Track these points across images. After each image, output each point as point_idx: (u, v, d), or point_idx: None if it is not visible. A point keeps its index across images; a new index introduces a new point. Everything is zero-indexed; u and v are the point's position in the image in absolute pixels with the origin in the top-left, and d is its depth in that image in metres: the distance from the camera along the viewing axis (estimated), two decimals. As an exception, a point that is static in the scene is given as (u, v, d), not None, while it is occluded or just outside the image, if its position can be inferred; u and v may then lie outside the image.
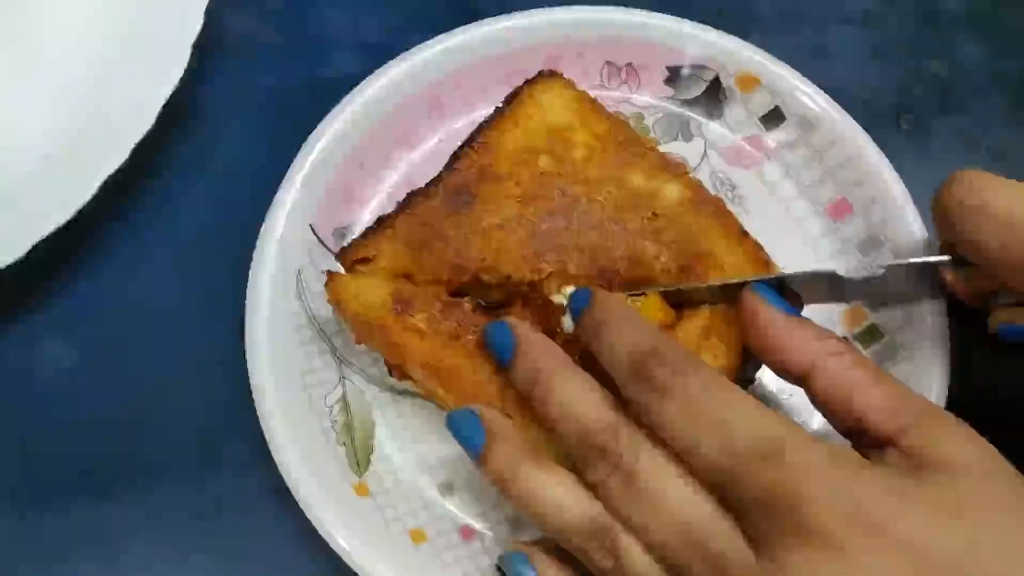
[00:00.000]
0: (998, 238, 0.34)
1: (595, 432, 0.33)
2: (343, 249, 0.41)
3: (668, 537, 0.31)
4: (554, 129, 0.42)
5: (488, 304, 0.40)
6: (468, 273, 0.39)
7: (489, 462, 0.34)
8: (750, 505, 0.30)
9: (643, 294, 0.39)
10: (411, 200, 0.41)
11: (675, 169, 0.42)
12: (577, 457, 0.34)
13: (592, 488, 0.33)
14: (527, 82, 0.43)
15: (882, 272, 0.37)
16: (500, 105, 0.43)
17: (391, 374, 0.40)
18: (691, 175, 0.42)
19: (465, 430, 0.35)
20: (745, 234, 0.41)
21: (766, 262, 0.40)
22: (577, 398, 0.34)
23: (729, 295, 0.38)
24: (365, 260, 0.40)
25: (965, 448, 0.30)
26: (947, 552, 0.28)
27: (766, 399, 0.41)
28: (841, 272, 0.37)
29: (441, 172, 0.42)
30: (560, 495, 0.33)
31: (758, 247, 0.41)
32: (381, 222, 0.41)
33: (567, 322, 0.38)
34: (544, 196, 0.41)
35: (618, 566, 0.32)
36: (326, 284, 0.39)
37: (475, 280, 0.40)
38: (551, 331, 0.38)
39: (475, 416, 0.35)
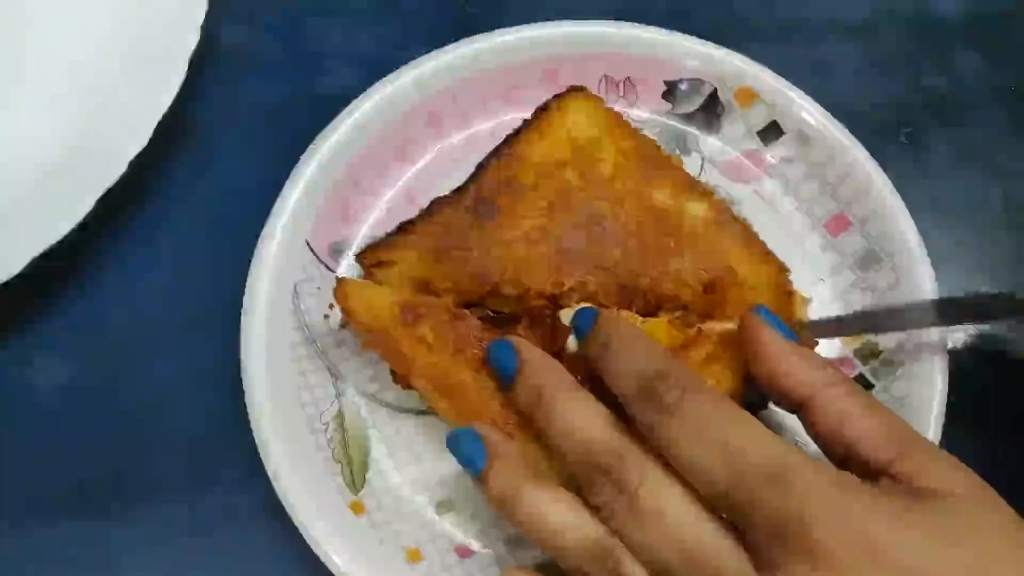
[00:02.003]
0: None
1: (599, 453, 0.33)
2: (364, 251, 0.41)
3: (672, 559, 0.31)
4: (580, 144, 0.42)
5: (496, 319, 0.40)
6: (489, 284, 0.39)
7: (490, 483, 0.34)
8: (755, 527, 0.30)
9: (654, 315, 0.39)
10: (434, 208, 0.41)
11: (700, 188, 0.42)
12: (580, 478, 0.34)
13: (595, 509, 0.33)
14: (555, 96, 0.43)
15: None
16: (527, 118, 0.43)
17: (395, 381, 0.40)
18: (716, 195, 0.42)
19: (466, 450, 0.35)
20: (770, 254, 0.41)
21: (788, 284, 0.41)
22: (580, 418, 0.34)
23: None
24: (383, 264, 0.40)
25: (955, 477, 0.31)
26: None
27: (774, 424, 0.41)
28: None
29: (466, 182, 0.42)
30: (562, 517, 0.33)
31: (782, 269, 0.41)
32: (403, 228, 0.41)
33: (571, 342, 0.38)
34: (568, 210, 0.41)
35: None
36: (335, 290, 0.39)
37: (495, 291, 0.40)
38: (557, 351, 0.38)
39: (477, 435, 0.35)
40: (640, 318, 0.39)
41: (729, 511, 0.31)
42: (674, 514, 0.31)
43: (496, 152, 0.42)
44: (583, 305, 0.39)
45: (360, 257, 0.41)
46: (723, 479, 0.31)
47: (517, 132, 0.43)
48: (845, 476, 0.31)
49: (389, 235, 0.41)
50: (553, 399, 0.35)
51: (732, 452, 0.31)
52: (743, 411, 0.33)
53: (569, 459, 0.34)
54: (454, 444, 0.35)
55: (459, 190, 0.42)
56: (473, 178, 0.42)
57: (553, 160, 0.42)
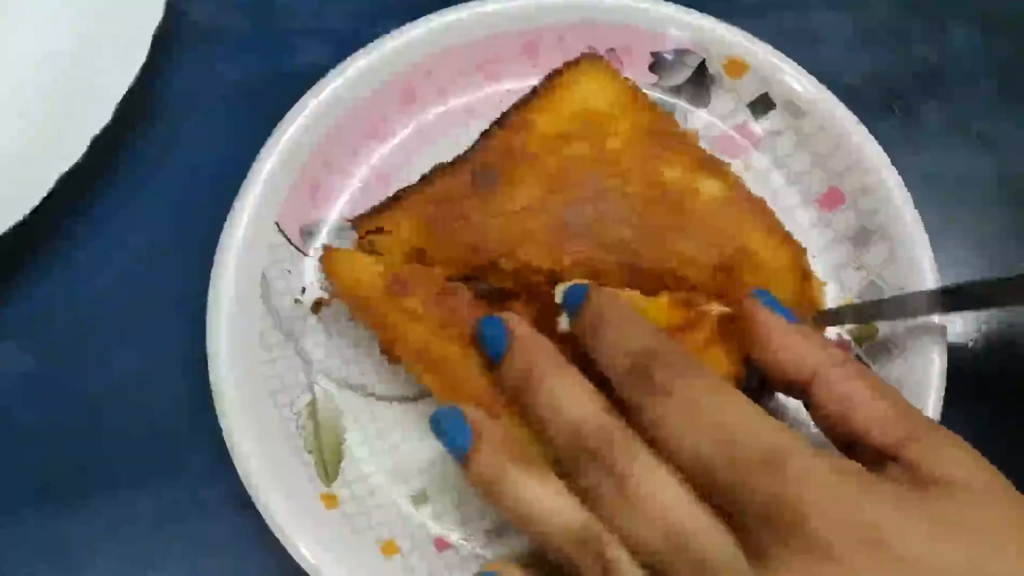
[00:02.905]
0: None
1: (587, 435, 0.32)
2: (359, 217, 0.40)
3: (659, 545, 0.30)
4: (591, 115, 0.41)
5: (488, 293, 0.39)
6: (486, 256, 0.38)
7: (474, 465, 0.33)
8: (749, 513, 0.29)
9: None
10: (434, 175, 0.40)
11: (716, 165, 0.41)
12: (567, 461, 0.33)
13: (582, 494, 0.32)
14: (567, 64, 0.42)
15: None
16: (536, 85, 0.42)
17: (382, 352, 0.38)
18: (733, 172, 0.41)
19: (449, 430, 0.34)
20: (788, 236, 0.40)
21: (806, 266, 0.39)
22: (569, 399, 0.33)
23: None
24: (379, 231, 0.39)
25: (966, 464, 0.30)
26: (947, 569, 0.27)
27: (775, 411, 0.40)
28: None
29: (469, 149, 0.41)
30: (548, 501, 0.32)
31: (800, 250, 0.40)
32: (401, 195, 0.40)
33: (564, 319, 0.36)
34: (574, 183, 0.39)
35: None
36: (321, 258, 0.38)
37: (491, 264, 0.38)
38: (549, 330, 0.37)
39: (460, 415, 0.34)
40: (644, 297, 0.38)
41: (721, 497, 0.30)
42: (663, 499, 0.30)
43: (502, 120, 0.41)
44: (575, 282, 0.38)
45: (355, 223, 0.40)
46: (715, 463, 0.30)
47: (525, 100, 0.41)
48: (845, 462, 0.30)
49: (387, 201, 0.40)
50: (542, 378, 0.34)
51: (724, 435, 0.30)
52: (738, 393, 0.31)
53: (556, 441, 0.33)
54: (437, 425, 0.34)
55: (461, 158, 0.40)
56: (476, 146, 0.41)
57: (561, 131, 0.40)
